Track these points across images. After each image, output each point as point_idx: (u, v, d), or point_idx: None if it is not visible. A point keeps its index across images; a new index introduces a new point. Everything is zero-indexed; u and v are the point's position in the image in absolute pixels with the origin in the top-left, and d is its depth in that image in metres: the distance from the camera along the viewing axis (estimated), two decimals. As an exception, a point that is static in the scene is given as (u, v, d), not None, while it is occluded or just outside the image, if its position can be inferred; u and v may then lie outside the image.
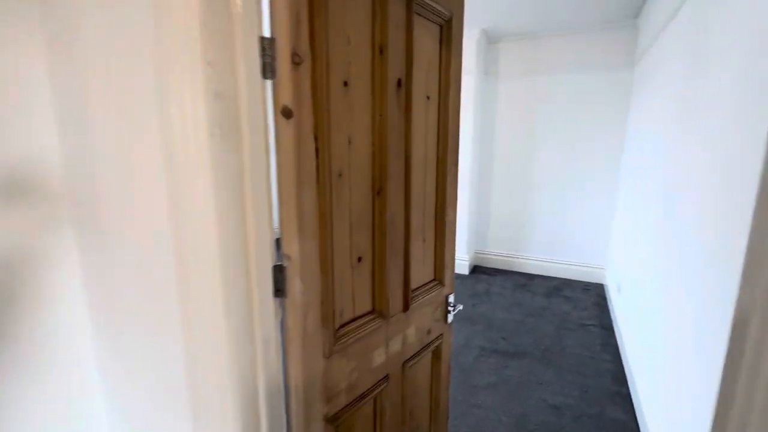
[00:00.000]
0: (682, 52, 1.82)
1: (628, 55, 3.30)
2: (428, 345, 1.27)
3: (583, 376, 2.24)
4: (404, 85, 0.99)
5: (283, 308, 0.80)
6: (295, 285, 0.78)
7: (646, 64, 2.82)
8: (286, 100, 0.72)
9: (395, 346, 1.10)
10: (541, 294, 3.47)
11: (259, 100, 0.70)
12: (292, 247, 0.77)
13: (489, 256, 4.23)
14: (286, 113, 0.72)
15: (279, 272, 0.77)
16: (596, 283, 3.73)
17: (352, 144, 0.88)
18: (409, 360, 1.18)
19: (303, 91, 0.74)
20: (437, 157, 1.19)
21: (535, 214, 3.93)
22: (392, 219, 1.01)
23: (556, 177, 3.76)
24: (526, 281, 3.80)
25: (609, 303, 3.20)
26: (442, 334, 1.35)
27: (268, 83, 0.71)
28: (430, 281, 1.27)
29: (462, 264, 4.01)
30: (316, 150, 0.79)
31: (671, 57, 2.03)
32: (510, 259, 4.12)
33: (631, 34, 3.27)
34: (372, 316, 1.02)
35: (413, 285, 1.16)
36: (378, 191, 0.97)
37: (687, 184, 1.58)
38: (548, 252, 3.94)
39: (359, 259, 0.96)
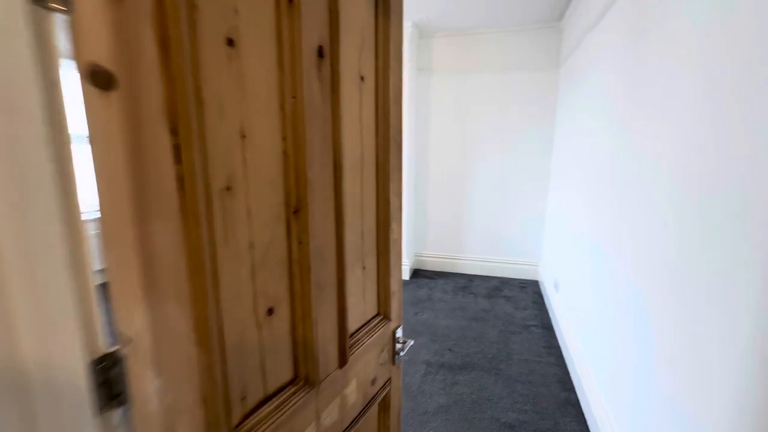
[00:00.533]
0: (620, 52, 1.78)
1: (554, 56, 3.38)
2: (373, 398, 0.99)
3: (532, 384, 2.15)
4: (328, 55, 0.69)
5: (126, 426, 0.46)
6: (144, 383, 0.45)
7: (571, 66, 2.86)
8: (99, 53, 0.38)
9: (330, 416, 0.81)
10: (483, 295, 3.41)
11: (30, 52, 0.35)
12: (133, 320, 0.43)
13: (429, 259, 4.11)
14: (99, 79, 0.38)
15: (110, 368, 0.43)
16: (531, 280, 3.79)
17: (248, 139, 0.57)
18: (349, 427, 0.89)
19: (138, 39, 0.41)
20: (377, 159, 0.91)
21: (472, 214, 3.88)
22: (318, 247, 0.71)
23: (490, 175, 3.74)
24: (466, 282, 3.73)
25: (546, 300, 3.24)
26: (390, 379, 1.08)
27: (54, 19, 0.37)
28: (374, 317, 0.99)
29: (402, 269, 3.82)
30: (176, 147, 0.46)
31: (607, 57, 2.01)
32: (450, 260, 4.04)
33: (556, 36, 3.34)
34: (294, 388, 0.71)
35: (351, 328, 0.87)
36: (295, 210, 0.66)
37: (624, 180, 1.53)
38: (486, 251, 3.92)
39: (270, 311, 0.64)
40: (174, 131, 0.45)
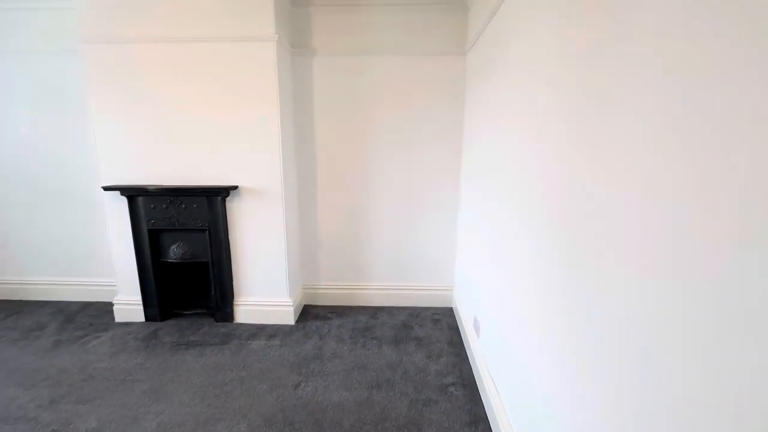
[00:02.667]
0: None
1: (460, 39, 2.79)
2: None
3: None
4: None
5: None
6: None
7: (481, 52, 2.27)
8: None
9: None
10: (389, 340, 2.66)
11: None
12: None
13: (323, 292, 3.23)
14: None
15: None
16: (445, 308, 3.18)
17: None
18: None
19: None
20: None
21: (374, 233, 3.12)
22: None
23: (394, 184, 3.02)
24: (369, 320, 2.95)
25: (464, 339, 2.62)
26: None
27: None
28: None
29: (285, 311, 2.87)
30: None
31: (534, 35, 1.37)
32: (350, 291, 3.22)
33: (463, 16, 2.75)
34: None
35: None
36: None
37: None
38: (393, 277, 3.20)
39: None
40: None
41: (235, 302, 2.89)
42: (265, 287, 2.87)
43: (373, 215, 3.08)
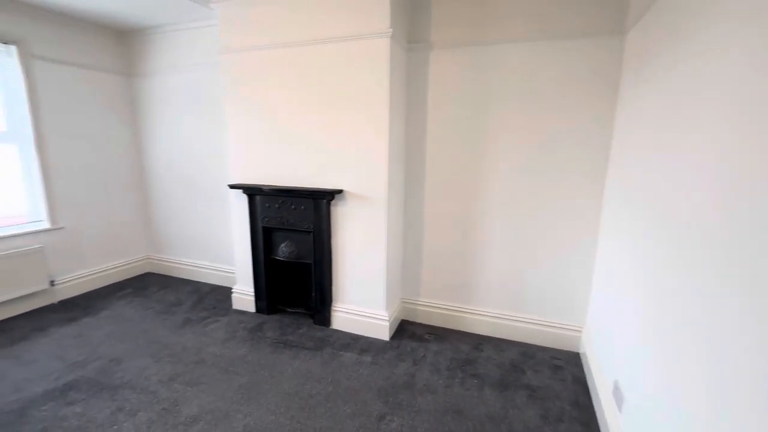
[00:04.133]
0: None
1: (616, 13, 2.17)
2: None
3: None
4: None
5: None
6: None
7: (659, 24, 1.66)
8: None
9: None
10: (493, 382, 2.23)
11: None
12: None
13: (423, 309, 2.95)
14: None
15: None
16: (570, 353, 2.56)
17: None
18: None
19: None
20: None
21: (485, 252, 2.70)
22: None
23: (515, 198, 2.56)
24: (471, 351, 2.55)
25: (594, 400, 2.01)
26: None
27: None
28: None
29: (380, 325, 2.69)
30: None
31: None
32: (452, 313, 2.87)
33: (622, -16, 2.13)
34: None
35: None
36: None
37: None
38: (503, 305, 2.73)
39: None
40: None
41: (332, 307, 2.84)
42: (362, 296, 2.74)
43: (487, 230, 2.67)
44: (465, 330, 2.84)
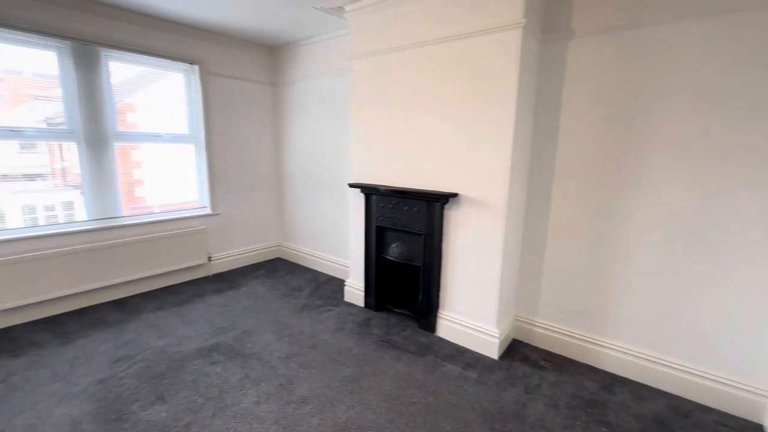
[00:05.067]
0: None
1: None
2: None
3: None
4: None
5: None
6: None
7: None
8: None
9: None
10: (628, 436, 1.83)
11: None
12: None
13: (539, 330, 2.63)
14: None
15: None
16: (746, 422, 1.94)
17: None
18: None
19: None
20: None
21: (626, 275, 2.26)
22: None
23: (673, 213, 2.07)
24: (599, 391, 2.16)
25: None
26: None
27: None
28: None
29: (489, 341, 2.49)
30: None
31: None
32: (574, 341, 2.48)
33: None
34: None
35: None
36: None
37: None
38: (648, 343, 2.23)
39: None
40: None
41: (438, 314, 2.75)
42: (471, 307, 2.58)
43: (632, 252, 2.22)
44: (591, 364, 2.42)
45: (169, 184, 3.71)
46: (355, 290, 3.29)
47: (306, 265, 4.30)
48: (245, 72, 3.99)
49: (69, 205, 3.16)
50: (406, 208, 2.76)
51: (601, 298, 2.36)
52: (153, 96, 3.50)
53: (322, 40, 3.66)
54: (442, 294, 2.73)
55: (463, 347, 2.60)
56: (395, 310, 3.09)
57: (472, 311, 2.58)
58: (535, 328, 2.64)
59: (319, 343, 2.62)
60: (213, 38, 3.65)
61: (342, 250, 3.86)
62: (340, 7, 2.89)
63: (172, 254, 3.56)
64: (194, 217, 3.76)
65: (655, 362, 2.20)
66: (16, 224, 2.85)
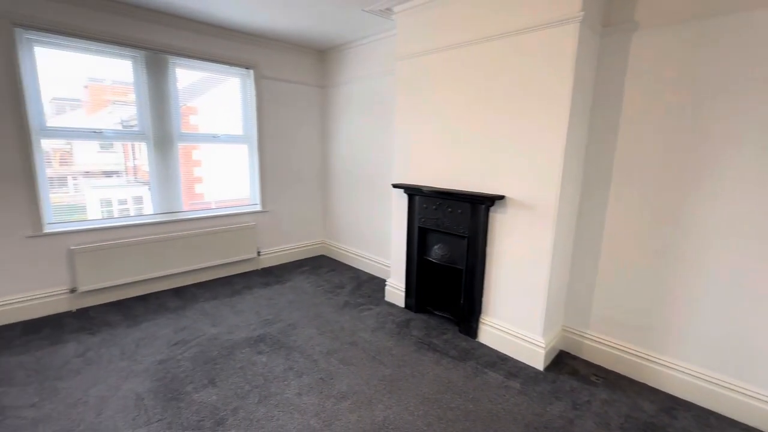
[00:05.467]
0: None
1: None
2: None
3: None
4: None
5: None
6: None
7: None
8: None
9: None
10: (692, 467, 1.66)
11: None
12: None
13: (589, 343, 2.47)
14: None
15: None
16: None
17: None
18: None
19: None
20: None
21: (694, 288, 2.05)
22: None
23: (752, 216, 1.85)
24: (659, 414, 1.98)
25: None
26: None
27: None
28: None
29: (534, 351, 2.38)
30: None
31: None
32: (631, 358, 2.30)
33: None
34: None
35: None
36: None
37: None
38: (719, 366, 2.01)
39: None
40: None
41: (481, 319, 2.68)
42: (515, 313, 2.48)
43: (700, 260, 2.02)
44: (648, 383, 2.23)
45: (225, 182, 3.95)
46: (395, 290, 3.30)
47: (348, 263, 4.38)
48: (295, 75, 4.14)
49: (139, 200, 3.47)
50: (449, 209, 2.72)
51: (664, 312, 2.16)
52: (212, 99, 3.75)
53: (366, 43, 3.71)
54: (485, 299, 2.65)
55: (506, 355, 2.51)
56: (436, 312, 3.05)
57: (516, 318, 2.49)
58: (586, 341, 2.49)
59: (359, 341, 2.65)
60: (267, 44, 3.83)
61: (383, 250, 3.89)
62: (388, 9, 2.91)
63: (226, 248, 3.79)
64: (246, 213, 3.98)
65: (725, 387, 1.98)
66: (95, 216, 3.19)
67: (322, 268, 4.25)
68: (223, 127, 3.80)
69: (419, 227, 2.97)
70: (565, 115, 2.08)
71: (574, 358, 2.51)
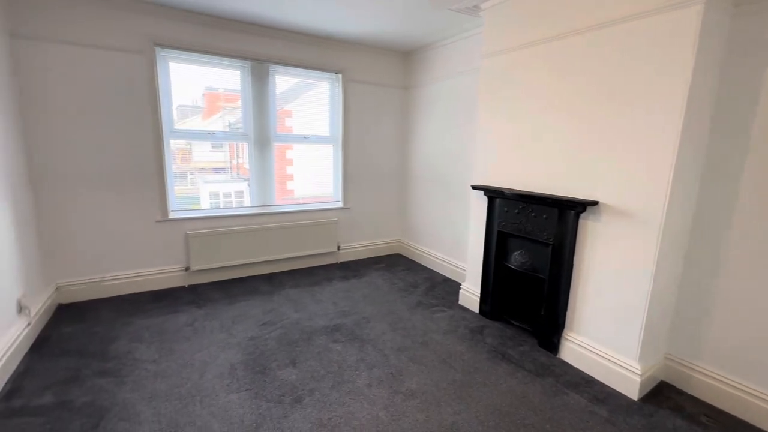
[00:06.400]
0: None
1: None
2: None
3: None
4: None
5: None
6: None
7: None
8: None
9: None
10: None
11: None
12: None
13: (701, 378, 2.11)
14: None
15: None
16: None
17: None
18: None
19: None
20: None
21: None
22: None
23: None
24: (795, 478, 1.61)
25: None
26: None
27: None
28: None
29: (627, 378, 2.12)
30: None
31: None
32: (760, 403, 1.91)
33: None
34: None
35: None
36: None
37: None
38: None
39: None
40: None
41: (563, 334, 2.47)
42: (605, 333, 2.24)
43: None
44: (784, 437, 1.83)
45: (312, 180, 4.26)
46: (470, 295, 3.21)
47: (423, 263, 4.39)
48: (379, 77, 4.28)
49: (240, 194, 3.93)
50: (533, 214, 2.55)
51: (807, 352, 1.75)
52: (304, 103, 4.07)
53: (449, 43, 3.67)
54: (569, 313, 2.44)
55: (591, 377, 2.28)
56: (512, 321, 2.89)
57: (607, 338, 2.24)
58: (695, 374, 2.13)
59: (430, 342, 2.64)
60: (354, 48, 4.02)
61: (459, 252, 3.81)
62: (475, 6, 2.84)
63: (310, 240, 4.08)
64: (329, 209, 4.23)
65: None
66: (206, 206, 3.69)
67: (398, 266, 4.32)
68: (313, 129, 4.10)
69: (498, 231, 2.85)
70: (679, 113, 1.81)
71: (680, 392, 2.17)
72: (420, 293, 3.53)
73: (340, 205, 4.32)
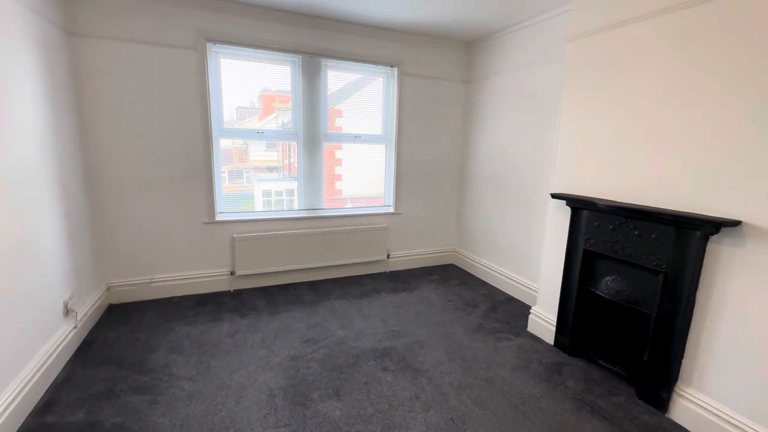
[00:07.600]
0: None
1: None
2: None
3: None
4: None
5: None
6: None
7: None
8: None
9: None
10: None
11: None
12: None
13: None
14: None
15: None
16: None
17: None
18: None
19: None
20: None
21: None
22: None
23: None
24: None
25: None
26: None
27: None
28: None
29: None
30: None
31: None
32: None
33: None
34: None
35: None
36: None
37: None
38: None
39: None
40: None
41: (676, 388, 1.92)
42: (743, 396, 1.68)
43: None
44: None
45: (362, 181, 3.97)
46: (543, 322, 2.72)
47: (481, 277, 3.93)
48: (438, 71, 3.88)
49: (290, 192, 3.74)
50: (636, 232, 2.03)
51: None
52: (356, 101, 3.79)
53: (519, 29, 3.19)
54: (686, 362, 1.89)
55: (722, 453, 1.72)
56: (600, 362, 2.37)
57: (744, 403, 1.67)
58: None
59: (497, 379, 2.22)
60: (411, 39, 3.67)
61: (526, 269, 3.31)
62: (563, -23, 2.35)
63: (358, 247, 3.80)
64: (379, 214, 3.92)
65: None
66: (259, 204, 3.55)
67: (452, 279, 3.90)
68: (365, 128, 3.81)
69: (585, 250, 2.34)
70: None
71: None
72: (480, 314, 3.09)
73: (391, 210, 3.99)
